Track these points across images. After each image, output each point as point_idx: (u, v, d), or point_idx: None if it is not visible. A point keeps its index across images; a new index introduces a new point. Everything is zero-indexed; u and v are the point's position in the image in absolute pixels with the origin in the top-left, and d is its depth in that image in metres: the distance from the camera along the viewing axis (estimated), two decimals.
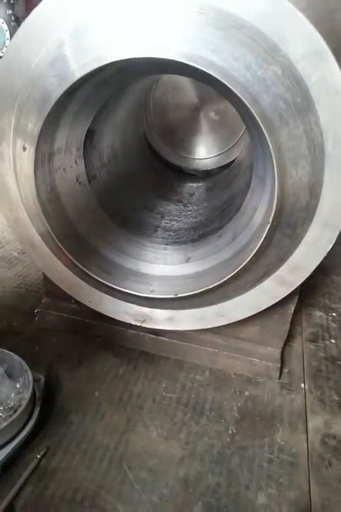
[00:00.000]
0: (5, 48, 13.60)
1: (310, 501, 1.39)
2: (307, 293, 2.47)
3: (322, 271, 2.65)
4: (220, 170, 2.52)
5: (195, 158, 2.60)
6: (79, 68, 1.27)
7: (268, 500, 1.39)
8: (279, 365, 1.85)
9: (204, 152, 2.60)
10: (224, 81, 1.07)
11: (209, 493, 1.41)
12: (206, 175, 2.54)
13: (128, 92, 1.85)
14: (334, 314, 2.39)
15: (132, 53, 1.15)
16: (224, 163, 2.53)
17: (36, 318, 2.09)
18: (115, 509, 1.35)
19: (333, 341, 2.16)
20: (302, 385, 1.85)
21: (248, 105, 1.07)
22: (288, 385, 1.85)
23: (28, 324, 2.08)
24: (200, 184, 2.38)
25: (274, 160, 1.10)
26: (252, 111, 1.08)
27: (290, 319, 1.79)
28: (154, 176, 2.32)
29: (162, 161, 2.51)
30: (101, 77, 1.27)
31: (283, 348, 1.90)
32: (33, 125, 1.31)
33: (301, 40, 1.08)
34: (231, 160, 2.48)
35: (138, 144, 2.31)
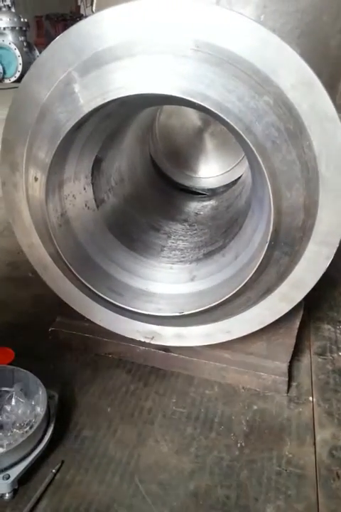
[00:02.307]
0: (17, 73, 13.81)
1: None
2: (315, 306, 2.49)
3: (330, 284, 2.66)
4: (225, 188, 2.59)
5: (200, 178, 2.68)
6: (86, 103, 1.36)
7: None
8: (287, 379, 1.88)
9: (209, 171, 2.67)
10: (218, 113, 1.15)
11: (218, 505, 1.44)
12: (211, 194, 2.61)
13: (134, 120, 1.95)
14: None
15: (133, 90, 1.24)
16: (228, 182, 2.60)
17: (50, 337, 2.17)
18: None
19: None
20: (311, 398, 1.87)
21: (241, 134, 1.14)
22: (296, 399, 1.87)
23: (43, 343, 2.15)
24: (206, 203, 2.45)
25: (269, 184, 1.17)
26: (246, 139, 1.15)
27: (295, 333, 1.82)
28: (160, 196, 2.41)
29: (168, 181, 2.59)
30: (106, 110, 1.36)
31: (290, 362, 1.93)
32: (44, 156, 1.41)
33: (291, 71, 1.15)
34: (235, 178, 2.55)
35: (145, 167, 2.40)
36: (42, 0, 16.24)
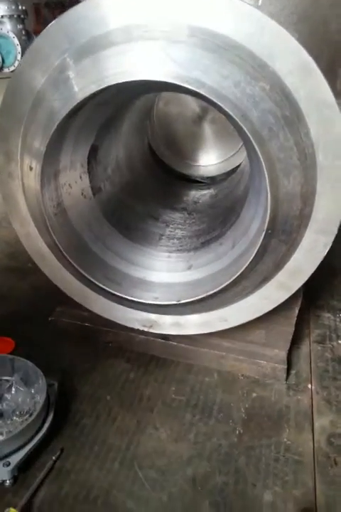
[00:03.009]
0: (16, 62, 13.67)
1: (315, 499, 1.42)
2: (315, 295, 2.49)
3: (330, 272, 2.66)
4: (224, 176, 2.58)
5: (199, 166, 2.66)
6: (80, 91, 1.35)
7: (274, 498, 1.43)
8: (285, 367, 1.88)
9: (208, 159, 2.65)
10: (214, 99, 1.13)
11: (216, 491, 1.46)
12: (210, 182, 2.59)
13: (131, 108, 1.93)
14: None
15: (128, 77, 1.23)
16: (227, 170, 2.58)
17: (50, 327, 2.18)
18: (126, 507, 1.41)
19: (340, 342, 2.18)
20: (309, 386, 1.88)
21: (238, 121, 1.13)
22: (294, 386, 1.88)
23: (43, 332, 2.16)
24: (205, 192, 2.43)
25: (266, 171, 1.16)
26: (242, 126, 1.13)
27: (294, 321, 1.83)
28: (159, 185, 2.39)
29: (167, 169, 2.57)
30: (101, 97, 1.35)
31: (289, 350, 1.93)
32: (39, 145, 1.40)
33: (288, 56, 1.14)
34: (234, 166, 2.53)
35: (143, 155, 2.39)
36: None
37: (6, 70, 14.01)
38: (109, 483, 1.49)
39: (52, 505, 1.42)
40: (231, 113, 1.13)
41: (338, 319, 2.37)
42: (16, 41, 13.96)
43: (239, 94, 1.14)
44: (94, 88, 1.27)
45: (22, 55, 12.97)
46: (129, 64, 1.24)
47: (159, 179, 2.44)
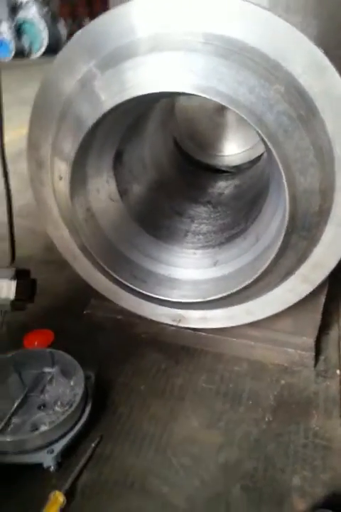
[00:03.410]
0: (43, 48, 13.35)
1: None
2: None
3: None
4: (249, 165, 2.58)
5: (223, 155, 2.67)
6: (107, 100, 1.41)
7: (302, 483, 1.48)
8: (314, 354, 1.90)
9: (232, 148, 2.65)
10: (230, 106, 1.16)
11: (247, 477, 1.52)
12: (235, 171, 2.60)
13: (153, 110, 1.97)
14: None
15: (146, 89, 1.27)
16: (252, 158, 2.58)
17: (85, 319, 2.28)
18: (161, 491, 1.50)
19: None
20: (338, 372, 1.90)
21: (254, 126, 1.15)
22: (323, 372, 1.90)
23: (78, 325, 2.25)
24: (229, 182, 2.45)
25: (283, 172, 1.18)
26: (258, 130, 1.16)
27: (321, 309, 1.84)
28: (184, 179, 2.43)
29: (192, 161, 2.60)
30: (125, 106, 1.40)
31: (317, 337, 1.95)
32: (68, 153, 1.47)
33: (301, 55, 1.14)
34: (258, 155, 2.52)
35: (168, 151, 2.42)
36: None
37: (33, 57, 13.83)
38: (145, 469, 1.58)
39: (94, 488, 1.53)
40: (247, 118, 1.15)
41: None
42: (43, 25, 13.68)
43: (254, 99, 1.16)
44: (117, 100, 1.32)
45: (48, 40, 12.66)
46: (147, 76, 1.28)
47: (184, 172, 2.48)
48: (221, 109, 2.53)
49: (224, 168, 2.64)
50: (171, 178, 2.31)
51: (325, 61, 1.14)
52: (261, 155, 2.48)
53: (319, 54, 1.14)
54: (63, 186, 1.50)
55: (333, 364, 1.94)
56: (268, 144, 1.17)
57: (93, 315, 2.26)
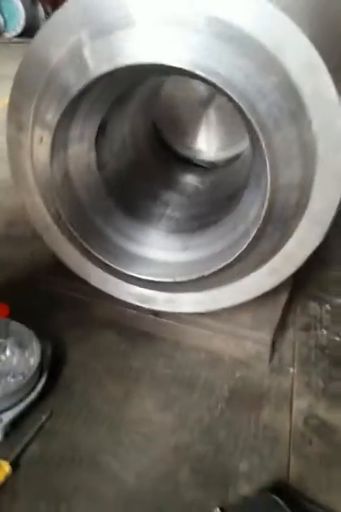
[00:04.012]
0: (19, 27, 12.95)
1: (288, 472, 1.52)
2: (303, 285, 2.57)
3: (319, 264, 2.74)
4: (226, 163, 2.62)
5: (202, 150, 2.69)
6: (95, 68, 1.39)
7: (249, 469, 1.52)
8: (269, 350, 1.96)
9: (211, 144, 2.68)
10: (226, 89, 1.18)
11: (196, 459, 1.54)
12: (212, 167, 2.63)
13: (141, 86, 1.96)
14: (327, 306, 2.50)
15: (142, 59, 1.26)
16: (228, 157, 2.62)
17: (44, 296, 2.22)
18: (111, 467, 1.50)
19: (324, 331, 2.26)
20: (291, 370, 1.97)
21: (247, 112, 1.18)
22: (277, 369, 1.96)
23: (37, 301, 2.20)
24: (205, 177, 2.48)
25: (268, 161, 1.21)
26: (250, 117, 1.19)
27: (281, 308, 1.90)
28: (161, 165, 2.43)
29: (170, 150, 2.61)
30: (115, 75, 1.38)
31: (274, 334, 2.01)
32: (52, 117, 1.43)
33: (298, 52, 1.18)
34: (236, 153, 2.57)
35: (148, 134, 2.42)
36: None
37: (7, 35, 13.44)
38: (95, 446, 1.57)
39: (41, 461, 1.50)
40: (240, 104, 1.18)
41: (324, 310, 2.46)
42: (21, 5, 13.39)
43: (249, 86, 1.19)
44: (107, 67, 1.30)
45: (26, 21, 12.47)
46: (143, 47, 1.28)
47: (162, 160, 2.48)
48: (205, 104, 2.56)
49: (199, 163, 2.66)
50: (148, 162, 2.30)
51: (319, 61, 1.19)
52: (239, 155, 2.53)
53: (314, 53, 1.18)
54: (43, 148, 1.46)
55: (287, 362, 2.01)
56: (258, 132, 1.19)
57: (52, 292, 2.21)
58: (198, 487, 1.45)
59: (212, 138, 2.65)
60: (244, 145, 2.61)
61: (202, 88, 2.52)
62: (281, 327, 2.12)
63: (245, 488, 1.45)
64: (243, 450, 1.58)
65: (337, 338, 2.19)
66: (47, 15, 12.48)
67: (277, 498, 1.31)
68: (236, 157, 2.53)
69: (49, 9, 13.03)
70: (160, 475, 1.48)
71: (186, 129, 2.61)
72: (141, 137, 2.30)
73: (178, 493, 1.43)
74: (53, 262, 2.12)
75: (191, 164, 2.60)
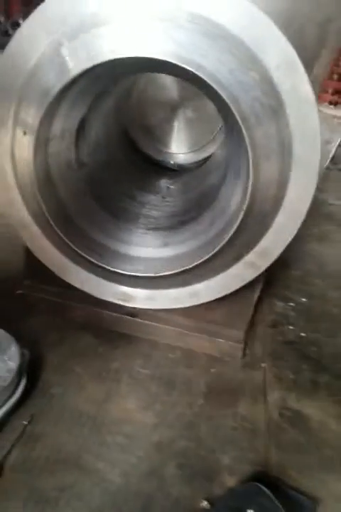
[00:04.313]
0: None
1: (268, 461, 1.59)
2: (270, 285, 2.68)
3: (283, 266, 2.86)
4: (196, 165, 2.69)
5: (171, 153, 2.75)
6: (74, 66, 1.40)
7: (231, 461, 1.58)
8: (242, 346, 2.04)
9: (180, 147, 2.74)
10: (211, 83, 1.23)
11: (180, 455, 1.58)
12: (182, 170, 2.69)
13: (118, 86, 1.98)
14: (292, 304, 2.62)
15: (120, 54, 1.29)
16: (199, 159, 2.69)
17: (18, 300, 2.18)
18: (96, 467, 1.50)
19: (291, 327, 2.37)
20: (263, 365, 2.05)
21: (231, 106, 1.24)
22: (250, 364, 2.04)
23: (11, 305, 2.14)
24: (177, 178, 2.53)
25: (250, 155, 1.28)
26: (234, 111, 1.24)
27: (253, 305, 1.99)
28: (133, 167, 2.46)
29: (140, 153, 2.64)
30: (94, 73, 1.40)
31: (246, 331, 2.10)
32: (34, 115, 1.43)
33: (277, 51, 1.26)
34: (206, 156, 2.64)
35: (120, 136, 2.44)
36: None
37: None
38: (79, 447, 1.56)
39: (25, 464, 1.48)
40: (225, 97, 1.23)
41: (289, 307, 2.58)
42: None
43: (232, 81, 1.25)
44: (87, 64, 1.32)
45: None
46: (123, 42, 1.30)
47: (133, 161, 2.51)
48: (175, 107, 2.61)
49: (169, 166, 2.72)
50: (121, 163, 2.32)
51: (297, 61, 1.27)
52: (207, 158, 2.60)
53: (292, 53, 1.26)
54: (25, 145, 1.45)
55: (258, 358, 2.09)
56: (241, 126, 1.25)
57: (27, 296, 2.17)
58: (183, 482, 1.49)
59: (180, 141, 2.71)
60: (211, 149, 2.69)
61: (173, 91, 2.58)
62: (252, 324, 2.21)
63: (229, 480, 1.50)
64: (224, 443, 1.64)
65: (303, 334, 2.31)
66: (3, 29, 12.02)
67: (261, 486, 1.37)
68: (206, 159, 2.61)
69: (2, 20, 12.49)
70: (145, 472, 1.50)
71: (155, 131, 2.65)
72: (114, 138, 2.32)
73: (164, 489, 1.46)
74: (29, 265, 2.09)
75: (161, 166, 2.64)
